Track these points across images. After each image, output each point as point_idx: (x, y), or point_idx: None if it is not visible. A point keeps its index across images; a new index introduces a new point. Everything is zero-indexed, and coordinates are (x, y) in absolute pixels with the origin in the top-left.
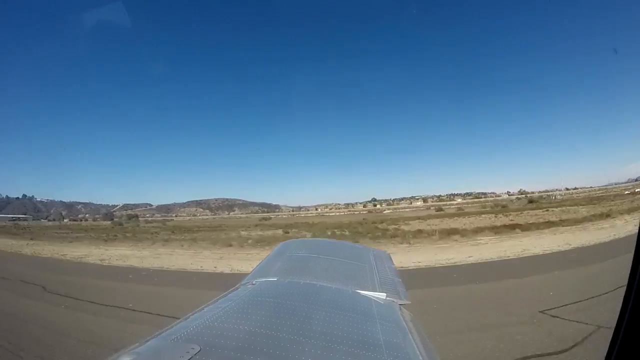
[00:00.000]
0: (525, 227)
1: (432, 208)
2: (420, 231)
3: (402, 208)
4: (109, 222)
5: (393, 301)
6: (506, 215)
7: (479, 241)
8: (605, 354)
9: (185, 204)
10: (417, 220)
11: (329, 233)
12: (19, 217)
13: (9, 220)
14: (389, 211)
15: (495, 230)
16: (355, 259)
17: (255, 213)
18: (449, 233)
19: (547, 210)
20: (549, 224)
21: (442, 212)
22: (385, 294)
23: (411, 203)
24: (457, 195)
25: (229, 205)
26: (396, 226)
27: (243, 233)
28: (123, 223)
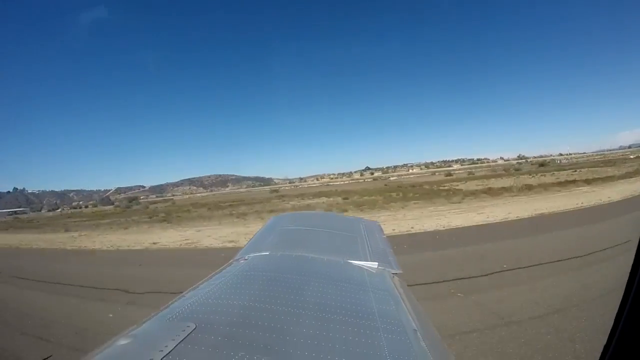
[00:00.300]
0: (588, 182)
1: (436, 173)
2: (504, 188)
3: (407, 174)
4: (111, 206)
5: (385, 270)
6: (544, 175)
7: (580, 190)
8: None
9: (178, 182)
10: (460, 183)
11: (381, 198)
12: (16, 211)
13: (8, 215)
14: (394, 177)
15: (562, 185)
16: (346, 230)
17: (253, 187)
18: (528, 188)
19: (575, 171)
20: (605, 179)
21: (452, 176)
22: (377, 264)
23: (409, 170)
24: (449, 161)
25: (222, 181)
26: (449, 187)
27: (294, 203)
28: (132, 206)
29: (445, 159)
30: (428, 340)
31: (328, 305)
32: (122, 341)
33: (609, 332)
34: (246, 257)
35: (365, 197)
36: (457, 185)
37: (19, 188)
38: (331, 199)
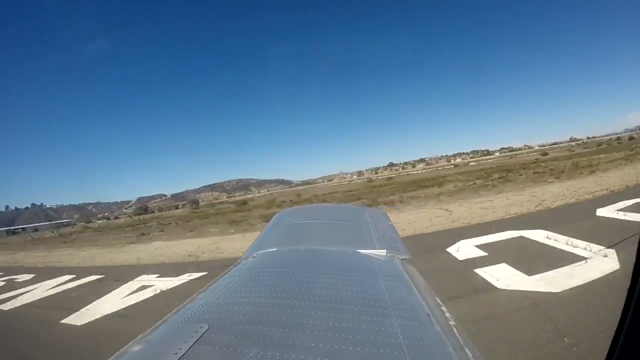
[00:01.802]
0: None
1: (471, 164)
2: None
3: (442, 166)
4: (150, 214)
5: (394, 256)
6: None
7: None
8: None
9: (198, 189)
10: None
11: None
12: (62, 222)
13: (54, 227)
14: (473, 163)
15: None
16: (352, 220)
17: (274, 188)
18: None
19: None
20: None
21: (547, 155)
22: (385, 251)
23: (449, 160)
24: (463, 154)
25: (243, 185)
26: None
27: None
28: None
29: (459, 152)
30: (442, 324)
31: (339, 296)
32: (136, 347)
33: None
34: (254, 255)
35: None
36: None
37: (37, 203)
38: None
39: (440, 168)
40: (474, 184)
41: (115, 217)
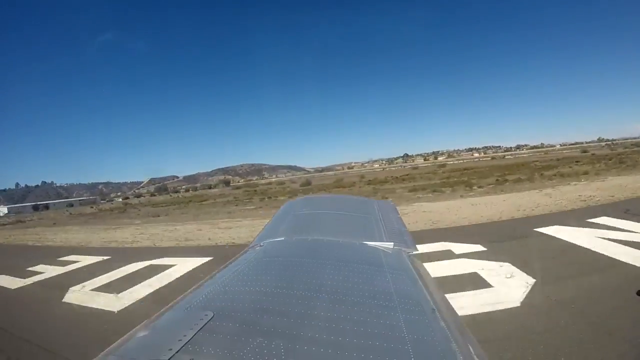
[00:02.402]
0: None
1: (494, 159)
2: None
3: (467, 159)
4: (176, 194)
5: (401, 250)
6: None
7: None
8: None
9: (211, 172)
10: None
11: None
12: (87, 200)
13: (81, 204)
14: (509, 157)
15: None
16: (360, 212)
17: (287, 175)
18: None
19: None
20: None
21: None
22: (392, 244)
23: (472, 154)
24: (473, 149)
25: (256, 170)
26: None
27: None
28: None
29: (470, 147)
30: (447, 318)
31: (345, 288)
32: (142, 332)
33: None
34: (262, 244)
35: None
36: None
37: (47, 181)
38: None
39: (490, 159)
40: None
41: (136, 196)
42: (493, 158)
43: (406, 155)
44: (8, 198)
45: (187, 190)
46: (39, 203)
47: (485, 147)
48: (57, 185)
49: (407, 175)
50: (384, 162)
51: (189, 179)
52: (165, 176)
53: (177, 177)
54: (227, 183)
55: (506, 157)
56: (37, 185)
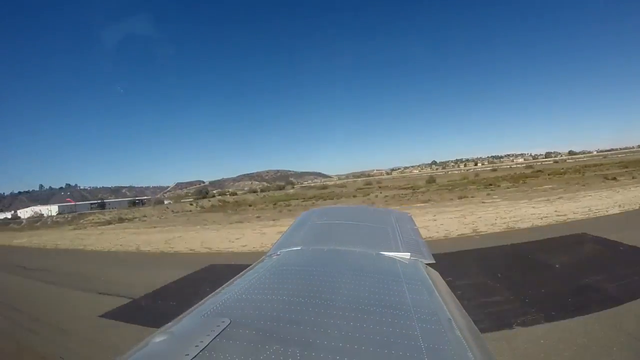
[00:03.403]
0: None
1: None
2: None
3: (514, 165)
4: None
5: (417, 260)
6: None
7: None
8: None
9: (236, 178)
10: None
11: None
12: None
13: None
14: (570, 160)
15: None
16: (377, 222)
17: (314, 181)
18: None
19: None
20: None
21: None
22: (409, 254)
23: (512, 161)
24: (479, 158)
25: (282, 176)
26: None
27: None
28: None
29: (476, 156)
30: (463, 329)
31: (361, 297)
32: (159, 338)
33: None
34: (278, 253)
35: None
36: None
37: (71, 184)
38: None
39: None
40: None
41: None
42: (557, 162)
43: (434, 162)
44: (33, 199)
45: (232, 194)
46: (104, 201)
47: (521, 154)
48: (81, 187)
49: (503, 175)
50: (433, 166)
51: (214, 184)
52: (191, 180)
53: (203, 182)
54: (282, 187)
55: (567, 160)
56: (62, 187)
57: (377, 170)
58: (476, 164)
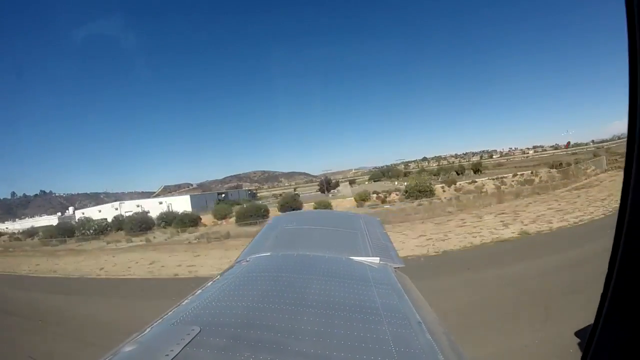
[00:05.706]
0: None
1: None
2: None
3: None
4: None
5: (387, 265)
6: None
7: None
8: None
9: (224, 179)
10: None
11: None
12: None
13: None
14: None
15: None
16: (346, 227)
17: (302, 180)
18: None
19: None
20: None
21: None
22: (378, 259)
23: (511, 153)
24: (473, 153)
25: (271, 176)
26: None
27: None
28: None
29: (467, 151)
30: (434, 332)
31: (331, 302)
32: (128, 347)
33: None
34: (248, 259)
35: None
36: None
37: (46, 191)
38: None
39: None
40: None
41: None
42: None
43: (425, 158)
44: (6, 208)
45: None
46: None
47: (514, 148)
48: (57, 194)
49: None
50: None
51: (202, 186)
52: (179, 183)
53: (191, 185)
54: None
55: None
56: (37, 195)
57: (354, 169)
58: (491, 156)
